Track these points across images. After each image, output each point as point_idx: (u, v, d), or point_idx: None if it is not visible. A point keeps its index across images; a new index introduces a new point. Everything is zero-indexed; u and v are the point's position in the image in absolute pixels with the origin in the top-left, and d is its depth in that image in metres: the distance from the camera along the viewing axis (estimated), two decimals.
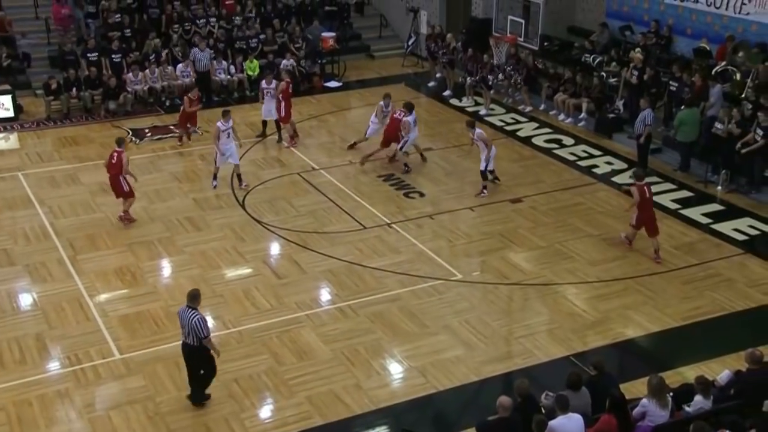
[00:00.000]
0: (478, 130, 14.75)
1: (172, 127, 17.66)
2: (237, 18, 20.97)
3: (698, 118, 15.23)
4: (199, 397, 9.44)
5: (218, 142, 14.48)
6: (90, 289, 11.76)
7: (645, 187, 12.43)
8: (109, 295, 11.67)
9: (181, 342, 9.29)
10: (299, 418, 9.32)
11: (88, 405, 9.52)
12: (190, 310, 9.03)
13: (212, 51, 19.41)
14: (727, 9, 15.95)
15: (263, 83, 16.79)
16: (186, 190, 14.89)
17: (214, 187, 14.77)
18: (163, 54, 19.34)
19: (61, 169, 15.79)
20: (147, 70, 18.96)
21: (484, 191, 14.62)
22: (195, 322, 8.93)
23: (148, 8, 20.73)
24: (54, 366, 10.21)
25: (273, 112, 16.67)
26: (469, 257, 12.74)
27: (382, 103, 16.35)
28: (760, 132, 14.12)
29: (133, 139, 17.11)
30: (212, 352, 9.21)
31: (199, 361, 9.24)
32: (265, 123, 17.08)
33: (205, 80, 19.08)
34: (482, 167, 14.56)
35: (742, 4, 15.58)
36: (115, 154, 13.34)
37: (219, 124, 14.53)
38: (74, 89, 18.35)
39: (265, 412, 9.54)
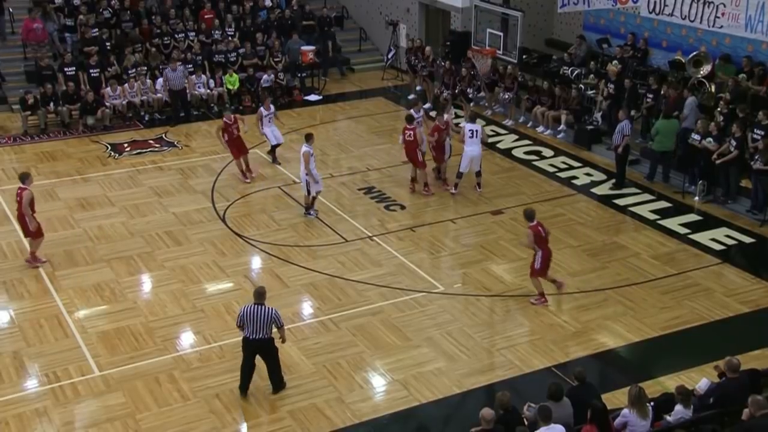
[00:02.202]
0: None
1: (151, 141, 17.61)
2: (216, 32, 20.95)
3: (675, 129, 15.42)
4: (281, 383, 9.88)
5: (311, 166, 13.77)
6: (68, 306, 11.64)
7: (539, 227, 11.41)
8: (88, 312, 11.56)
9: (244, 338, 9.57)
10: None
11: (66, 423, 9.40)
12: (261, 306, 9.45)
13: (190, 66, 19.35)
14: (701, 22, 16.19)
15: (263, 110, 16.12)
16: (165, 204, 14.81)
17: (316, 215, 14.19)
18: (144, 68, 19.23)
19: (38, 184, 15.53)
20: (126, 84, 18.87)
21: (454, 188, 15.12)
22: (275, 313, 9.51)
23: (124, 23, 20.62)
24: (32, 384, 10.08)
25: (280, 136, 16.38)
26: (451, 269, 12.77)
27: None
28: (733, 143, 14.33)
29: (112, 153, 17.04)
30: (278, 340, 9.74)
31: (269, 351, 9.69)
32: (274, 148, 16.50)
33: (178, 98, 18.69)
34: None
35: (716, 17, 15.83)
36: (19, 191, 12.36)
37: (307, 148, 13.71)
38: (51, 104, 18.21)
39: (247, 427, 9.47)
